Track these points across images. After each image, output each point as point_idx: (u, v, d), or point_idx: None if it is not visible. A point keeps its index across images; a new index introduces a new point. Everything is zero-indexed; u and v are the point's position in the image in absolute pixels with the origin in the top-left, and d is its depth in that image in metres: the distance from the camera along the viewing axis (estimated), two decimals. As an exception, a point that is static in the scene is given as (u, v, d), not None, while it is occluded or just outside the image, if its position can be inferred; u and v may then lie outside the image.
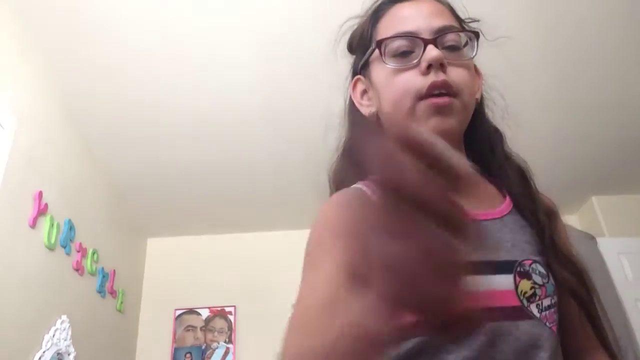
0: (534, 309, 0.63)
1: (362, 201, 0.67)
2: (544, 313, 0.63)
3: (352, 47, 0.84)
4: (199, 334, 3.32)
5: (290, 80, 2.33)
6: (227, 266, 3.48)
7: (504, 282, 0.63)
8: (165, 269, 3.51)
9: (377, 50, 0.73)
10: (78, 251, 2.43)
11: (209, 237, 3.60)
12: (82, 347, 2.37)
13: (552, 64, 2.37)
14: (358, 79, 0.81)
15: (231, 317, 3.36)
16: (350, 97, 0.83)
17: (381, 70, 0.74)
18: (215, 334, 3.32)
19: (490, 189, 0.77)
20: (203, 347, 3.28)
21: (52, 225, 2.16)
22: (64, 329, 2.23)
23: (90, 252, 2.57)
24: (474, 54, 0.74)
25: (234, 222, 3.50)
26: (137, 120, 2.50)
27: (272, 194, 3.21)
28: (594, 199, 3.39)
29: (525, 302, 0.63)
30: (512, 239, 0.68)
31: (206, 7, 1.99)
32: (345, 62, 0.88)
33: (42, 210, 2.07)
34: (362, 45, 0.79)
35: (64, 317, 2.24)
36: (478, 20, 0.81)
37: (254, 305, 3.36)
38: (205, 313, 3.37)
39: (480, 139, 0.79)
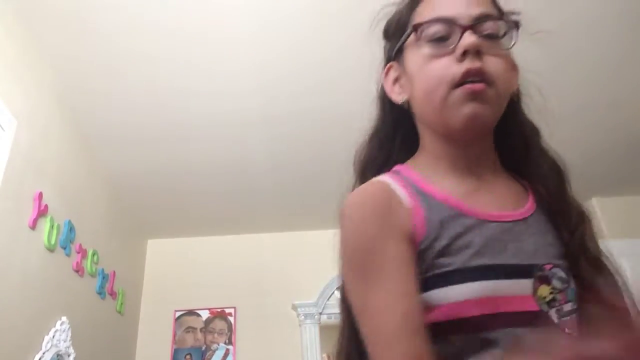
0: (553, 314, 0.62)
1: (388, 200, 0.66)
2: (564, 319, 0.62)
3: (388, 33, 0.81)
4: (199, 335, 3.32)
5: (289, 82, 2.33)
6: (227, 267, 3.48)
7: (522, 287, 0.62)
8: (165, 270, 3.51)
9: (412, 35, 0.71)
10: (78, 252, 2.43)
11: (208, 239, 3.61)
12: (82, 349, 2.37)
13: (551, 64, 2.36)
14: (391, 66, 0.78)
15: (231, 319, 3.36)
16: (383, 83, 0.80)
17: (415, 55, 0.71)
18: (215, 335, 3.32)
19: (515, 187, 0.75)
20: (203, 348, 3.28)
21: (52, 226, 2.16)
22: (64, 330, 2.23)
23: (90, 253, 2.57)
24: (512, 44, 0.71)
25: (234, 223, 3.50)
26: (137, 122, 2.50)
27: (272, 196, 3.21)
28: (594, 200, 3.39)
29: (545, 307, 0.61)
30: (534, 242, 0.66)
31: (206, 9, 1.99)
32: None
33: (42, 212, 2.07)
34: (399, 31, 0.76)
35: (63, 318, 2.24)
36: (519, 13, 0.77)
37: (253, 307, 3.36)
38: (205, 314, 3.37)
39: (514, 133, 0.76)
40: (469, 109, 0.66)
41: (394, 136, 0.80)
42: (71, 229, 2.35)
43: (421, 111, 0.74)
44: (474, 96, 0.66)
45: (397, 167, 0.74)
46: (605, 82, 2.49)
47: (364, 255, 0.63)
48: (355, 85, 2.27)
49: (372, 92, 0.84)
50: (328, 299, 3.43)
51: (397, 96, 0.76)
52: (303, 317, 3.32)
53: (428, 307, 0.61)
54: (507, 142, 0.76)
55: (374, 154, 0.80)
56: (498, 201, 0.69)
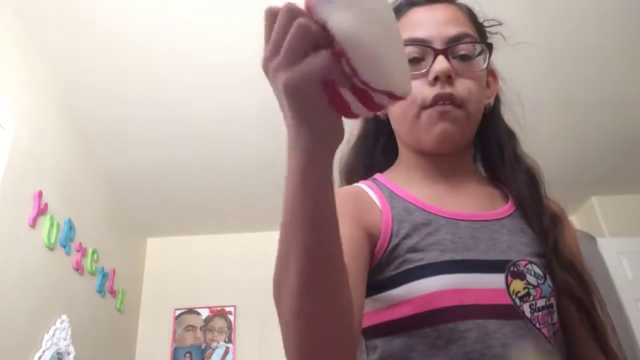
0: (526, 308, 0.63)
1: (355, 195, 0.71)
2: (536, 314, 0.64)
3: None
4: (199, 333, 3.32)
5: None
6: (227, 266, 3.48)
7: (494, 281, 0.64)
8: (165, 269, 3.51)
9: None
10: (78, 251, 2.43)
11: (208, 237, 3.60)
12: (82, 347, 2.37)
13: (551, 63, 2.37)
14: None
15: (231, 317, 3.36)
16: None
17: None
18: (215, 333, 3.32)
19: (492, 191, 0.78)
20: (203, 346, 3.28)
21: (52, 224, 2.16)
22: (64, 329, 2.23)
23: (90, 251, 2.57)
24: (484, 66, 0.73)
25: (234, 221, 3.50)
26: (136, 120, 2.50)
27: (272, 194, 3.20)
28: (593, 199, 3.39)
29: (517, 301, 0.63)
30: (508, 240, 0.68)
31: (205, 7, 1.99)
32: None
33: (42, 210, 2.07)
34: None
35: (63, 316, 2.24)
36: (500, 24, 0.80)
37: (253, 305, 3.36)
38: (205, 313, 3.37)
39: (491, 141, 0.80)
40: (438, 128, 0.70)
41: (375, 146, 0.84)
42: (71, 227, 2.35)
43: (396, 128, 0.78)
44: (443, 117, 0.69)
45: (375, 175, 0.78)
46: (604, 81, 2.49)
47: None
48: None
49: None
50: (328, 298, 3.43)
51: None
52: (303, 315, 3.32)
53: (401, 301, 0.63)
54: (485, 148, 0.81)
55: (357, 163, 0.84)
56: (469, 203, 0.72)
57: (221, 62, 2.22)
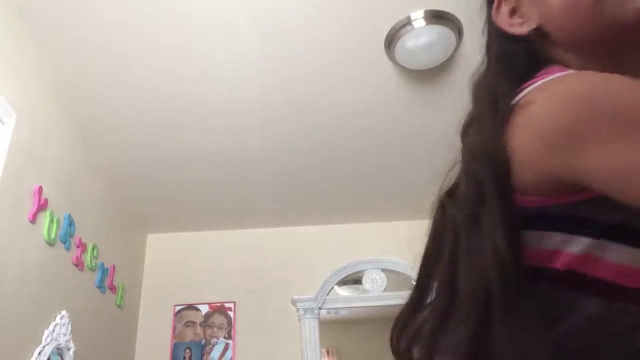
0: None
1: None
2: None
3: None
4: (199, 329, 3.32)
5: (290, 75, 2.32)
6: (226, 262, 3.49)
7: None
8: (165, 265, 3.52)
9: None
10: (78, 246, 2.43)
11: (208, 233, 3.61)
12: (82, 342, 2.38)
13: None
14: (501, 0, 0.67)
15: (231, 313, 3.36)
16: (492, 24, 0.69)
17: None
18: (215, 329, 3.33)
19: None
20: (202, 342, 3.29)
21: (52, 220, 2.16)
22: (64, 324, 2.23)
23: (90, 247, 2.58)
24: None
25: (234, 218, 3.50)
26: (137, 116, 2.50)
27: (273, 190, 3.21)
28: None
29: None
30: None
31: (208, 1, 1.98)
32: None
33: (42, 206, 2.07)
34: None
35: (63, 312, 2.25)
36: None
37: (253, 301, 3.37)
38: (204, 309, 3.38)
39: None
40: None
41: (525, 65, 0.63)
42: (71, 223, 2.35)
43: (565, 28, 0.60)
44: None
45: None
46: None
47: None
48: (356, 74, 2.26)
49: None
50: (327, 294, 3.43)
51: (520, 28, 0.65)
52: (302, 311, 3.33)
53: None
54: None
55: (503, 82, 0.62)
56: None
57: (221, 56, 2.22)
